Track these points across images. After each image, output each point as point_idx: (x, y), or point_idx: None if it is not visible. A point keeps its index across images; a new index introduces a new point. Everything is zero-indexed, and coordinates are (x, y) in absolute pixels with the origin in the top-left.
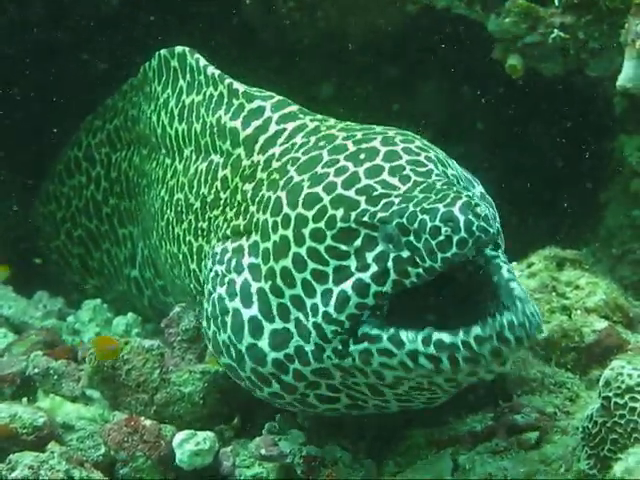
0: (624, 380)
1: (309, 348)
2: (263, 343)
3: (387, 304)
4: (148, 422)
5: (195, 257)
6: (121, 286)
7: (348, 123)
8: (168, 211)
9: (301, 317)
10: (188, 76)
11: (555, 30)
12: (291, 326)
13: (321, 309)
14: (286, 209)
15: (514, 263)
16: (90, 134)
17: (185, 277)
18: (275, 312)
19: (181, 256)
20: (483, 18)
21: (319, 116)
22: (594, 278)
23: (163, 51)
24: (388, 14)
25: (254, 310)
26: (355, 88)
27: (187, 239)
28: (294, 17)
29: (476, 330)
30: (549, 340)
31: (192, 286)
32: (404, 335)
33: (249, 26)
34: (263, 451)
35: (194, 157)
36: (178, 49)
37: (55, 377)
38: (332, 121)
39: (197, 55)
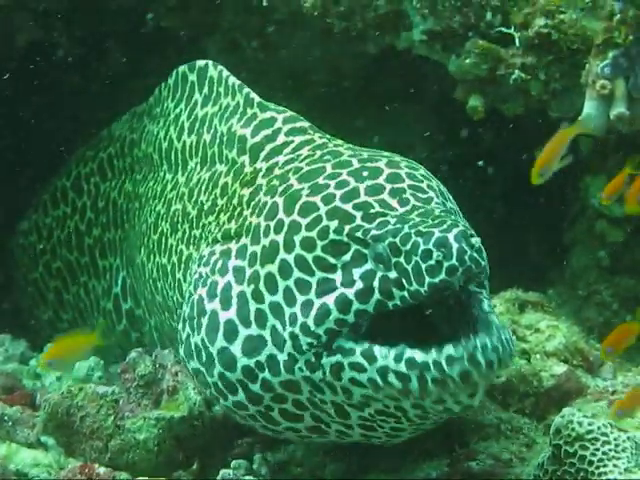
0: (574, 428)
1: (281, 357)
2: (235, 348)
3: (366, 324)
4: (102, 469)
5: (183, 266)
6: (96, 320)
7: (356, 146)
8: (163, 223)
9: (278, 325)
10: (206, 89)
11: (516, 71)
12: (266, 334)
13: (300, 320)
14: (281, 214)
15: None
16: (81, 164)
17: (169, 289)
18: (252, 317)
19: (169, 267)
20: (444, 59)
21: (328, 135)
22: (554, 321)
23: (181, 67)
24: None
25: (231, 313)
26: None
27: (179, 248)
28: (259, 56)
29: (448, 350)
30: (507, 385)
31: (175, 298)
32: (377, 350)
33: None
34: None
35: (198, 168)
36: (200, 63)
37: (10, 423)
38: (340, 141)
39: (220, 67)
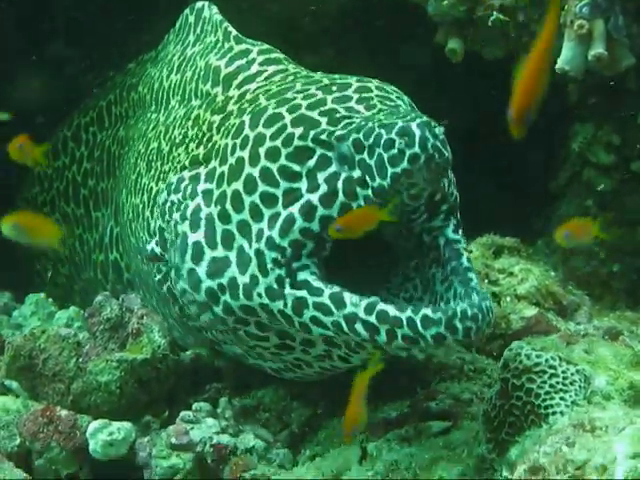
0: (522, 361)
1: (242, 280)
2: (201, 270)
3: (329, 246)
4: (64, 412)
5: (151, 203)
6: (88, 273)
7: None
8: (141, 162)
9: (244, 245)
10: (199, 29)
11: (494, 12)
12: (232, 255)
13: (265, 234)
14: (247, 130)
15: None
16: (82, 114)
17: (140, 230)
18: (219, 239)
19: (141, 206)
20: (423, 1)
21: (302, 67)
22: (528, 265)
23: (186, 10)
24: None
25: (199, 235)
26: None
27: (150, 185)
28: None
29: (426, 311)
30: None
31: (144, 239)
32: (347, 297)
33: None
34: (173, 439)
35: (177, 106)
36: (198, 4)
37: None
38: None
39: (213, 7)
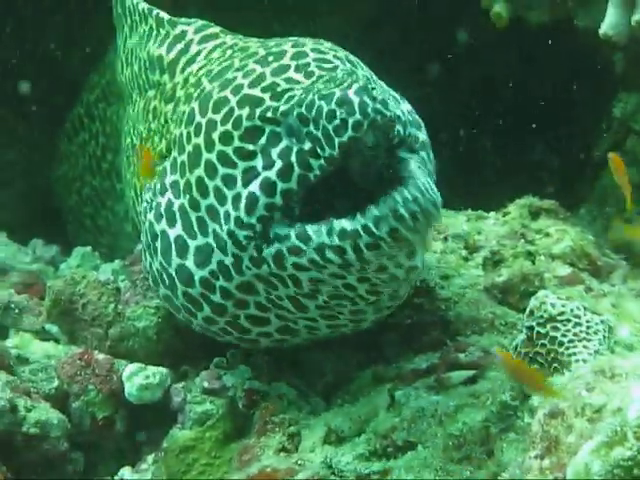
0: (547, 309)
1: (229, 261)
2: (189, 262)
3: (298, 207)
4: (101, 356)
5: (139, 199)
6: (125, 243)
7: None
8: (124, 157)
9: (217, 229)
10: (129, 19)
11: None
12: (210, 239)
13: (232, 215)
14: (198, 118)
15: (492, 213)
16: (89, 90)
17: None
18: (196, 227)
19: (131, 201)
20: None
21: (240, 35)
22: (565, 226)
23: (112, 1)
24: None
25: (178, 229)
26: None
27: (133, 181)
28: None
29: (372, 211)
30: (507, 283)
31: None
32: (310, 230)
33: None
34: (206, 384)
35: (137, 98)
36: None
37: (16, 311)
38: (253, 39)
39: None
